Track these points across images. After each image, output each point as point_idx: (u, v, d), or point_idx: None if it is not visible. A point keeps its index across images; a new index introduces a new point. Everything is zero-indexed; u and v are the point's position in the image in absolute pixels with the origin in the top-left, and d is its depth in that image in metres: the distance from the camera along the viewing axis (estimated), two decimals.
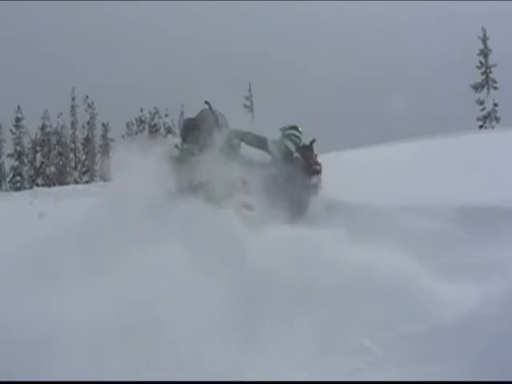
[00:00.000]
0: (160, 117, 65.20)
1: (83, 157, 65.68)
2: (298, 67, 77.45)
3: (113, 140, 64.39)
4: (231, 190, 8.42)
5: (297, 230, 7.19)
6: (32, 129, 64.48)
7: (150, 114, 66.01)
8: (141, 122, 65.77)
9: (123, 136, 63.84)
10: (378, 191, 8.68)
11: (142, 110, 65.87)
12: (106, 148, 64.40)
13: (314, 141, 10.12)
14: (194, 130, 9.48)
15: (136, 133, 64.76)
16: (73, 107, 65.85)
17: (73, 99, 65.59)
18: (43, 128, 64.82)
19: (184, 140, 9.54)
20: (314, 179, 9.67)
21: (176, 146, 9.45)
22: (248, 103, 54.63)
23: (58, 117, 65.26)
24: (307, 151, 9.93)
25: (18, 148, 63.39)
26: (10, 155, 63.71)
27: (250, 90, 54.99)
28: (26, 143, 64.12)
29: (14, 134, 63.87)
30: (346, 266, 6.07)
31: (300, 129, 10.04)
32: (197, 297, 5.75)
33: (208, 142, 8.89)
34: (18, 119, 63.76)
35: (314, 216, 8.64)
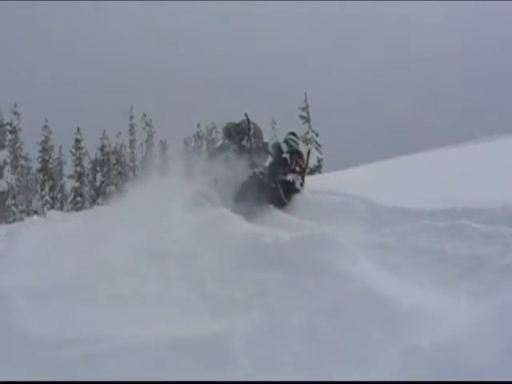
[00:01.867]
0: (217, 131, 64.34)
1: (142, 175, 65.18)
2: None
3: (171, 157, 64.09)
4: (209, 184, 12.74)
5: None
6: (91, 149, 65.09)
7: (207, 129, 65.46)
8: (198, 137, 65.31)
9: (181, 153, 63.79)
10: (441, 194, 8.92)
11: (199, 126, 65.45)
12: (164, 166, 64.02)
13: (309, 152, 13.04)
14: (237, 134, 13.36)
15: (194, 149, 64.38)
16: (131, 126, 65.89)
17: (131, 118, 65.56)
18: (102, 148, 65.14)
19: (228, 137, 13.52)
20: (290, 176, 12.04)
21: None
22: (304, 114, 53.60)
23: (117, 136, 65.43)
24: (296, 154, 12.37)
25: (78, 169, 63.74)
26: (71, 176, 63.97)
27: (306, 101, 53.87)
28: (86, 164, 64.36)
29: (74, 155, 64.25)
30: None
31: (297, 135, 13.10)
32: None
33: (241, 145, 12.94)
34: (77, 140, 64.08)
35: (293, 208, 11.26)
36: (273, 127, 59.48)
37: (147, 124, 65.72)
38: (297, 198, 11.37)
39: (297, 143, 12.69)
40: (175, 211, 9.82)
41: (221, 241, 8.24)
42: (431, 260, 6.93)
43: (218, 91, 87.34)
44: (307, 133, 53.06)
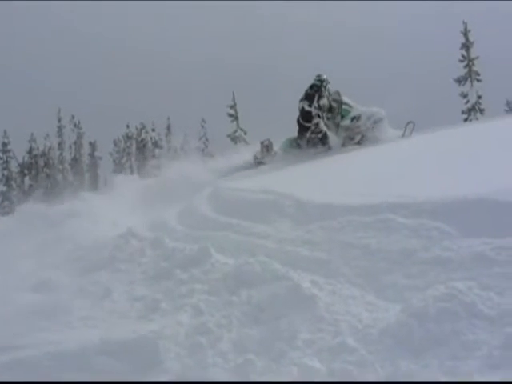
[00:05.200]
0: (147, 132, 63.85)
1: (71, 177, 64.39)
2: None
3: (100, 158, 63.53)
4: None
5: None
6: (19, 152, 63.62)
7: (137, 129, 64.87)
8: (128, 138, 64.68)
9: (111, 153, 63.18)
10: (369, 189, 8.96)
11: (128, 127, 64.86)
12: (93, 167, 63.34)
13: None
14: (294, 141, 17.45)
15: (123, 149, 63.82)
16: (59, 128, 64.90)
17: (59, 120, 64.57)
18: (30, 151, 63.87)
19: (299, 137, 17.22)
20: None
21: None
22: (232, 112, 53.50)
23: (45, 139, 64.27)
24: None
25: (5, 173, 62.35)
26: None
27: (234, 99, 53.75)
28: (14, 167, 63.03)
29: (1, 158, 62.86)
30: None
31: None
32: None
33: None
34: (4, 144, 62.89)
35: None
36: (202, 126, 59.50)
37: (76, 125, 64.91)
38: (225, 196, 11.34)
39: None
40: None
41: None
42: (358, 254, 6.98)
43: (153, 91, 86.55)
44: (235, 131, 53.00)
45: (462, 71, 46.67)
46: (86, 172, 64.82)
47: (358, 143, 16.59)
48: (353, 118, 16.87)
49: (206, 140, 59.39)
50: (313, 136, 16.87)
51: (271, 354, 5.30)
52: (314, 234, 7.84)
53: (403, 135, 15.95)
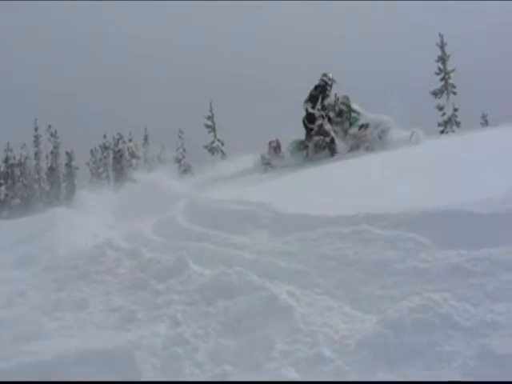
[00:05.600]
0: (124, 142, 63.68)
1: (48, 187, 64.13)
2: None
3: (77, 168, 63.29)
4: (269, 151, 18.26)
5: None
6: None
7: (114, 139, 64.68)
8: (105, 148, 64.48)
9: (88, 163, 63.01)
10: (348, 199, 9.05)
11: (105, 137, 64.71)
12: (70, 177, 63.10)
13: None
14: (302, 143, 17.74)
15: (100, 159, 63.71)
16: (36, 137, 64.61)
17: (36, 129, 64.31)
18: (6, 160, 63.55)
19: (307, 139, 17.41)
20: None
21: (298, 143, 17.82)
22: (210, 123, 53.56)
23: (22, 148, 63.97)
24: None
25: None
26: None
27: (211, 110, 53.81)
28: None
29: None
30: None
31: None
32: None
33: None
34: None
35: None
36: (180, 136, 59.41)
37: (52, 135, 64.66)
38: (202, 206, 11.34)
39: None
40: None
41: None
42: (335, 265, 7.00)
43: (130, 101, 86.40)
44: (213, 142, 53.08)
45: (439, 84, 47.02)
46: (63, 182, 64.61)
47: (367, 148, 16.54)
48: (361, 126, 16.96)
49: (184, 151, 59.33)
50: (320, 139, 17.04)
51: (248, 364, 5.29)
52: (291, 245, 7.85)
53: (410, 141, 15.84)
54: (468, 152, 12.07)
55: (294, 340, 5.48)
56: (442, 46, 46.84)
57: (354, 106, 17.23)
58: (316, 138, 17.06)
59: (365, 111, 17.15)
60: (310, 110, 16.99)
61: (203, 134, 53.70)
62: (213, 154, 52.12)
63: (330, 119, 17.12)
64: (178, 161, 57.33)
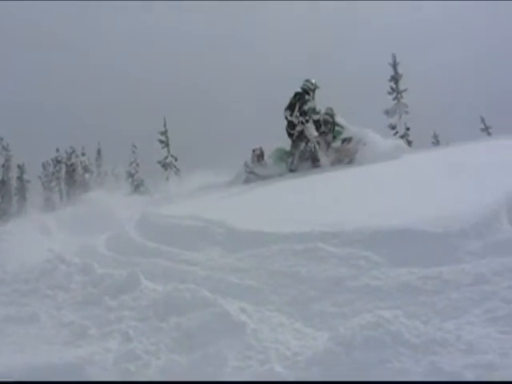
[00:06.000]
0: (77, 156, 63.18)
1: None
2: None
3: (29, 181, 62.51)
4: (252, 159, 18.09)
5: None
6: None
7: (67, 153, 64.17)
8: (57, 162, 63.91)
9: (40, 177, 62.38)
10: (304, 216, 9.11)
11: (58, 150, 64.07)
12: (22, 190, 62.38)
13: None
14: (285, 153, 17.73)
15: (53, 173, 63.13)
16: None
17: None
18: None
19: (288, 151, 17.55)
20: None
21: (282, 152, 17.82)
22: (163, 138, 53.44)
23: None
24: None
25: None
26: None
27: (165, 125, 53.73)
28: None
29: None
30: None
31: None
32: None
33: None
34: None
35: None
36: (133, 151, 59.10)
37: (4, 148, 64.00)
38: (155, 222, 11.31)
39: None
40: None
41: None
42: (287, 282, 7.04)
43: (84, 115, 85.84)
44: (166, 157, 52.94)
45: (391, 103, 47.43)
46: (14, 195, 63.86)
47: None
48: (343, 140, 17.00)
49: (137, 165, 59.03)
50: (305, 149, 17.13)
51: (200, 380, 5.28)
52: (244, 262, 7.87)
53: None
54: (421, 171, 12.20)
55: (246, 356, 5.47)
56: (394, 66, 47.29)
57: (338, 118, 17.35)
58: (301, 148, 17.10)
59: (348, 124, 17.27)
60: (289, 118, 17.11)
61: (157, 149, 53.60)
62: (166, 169, 51.96)
63: (315, 123, 17.28)
64: (131, 175, 57.06)
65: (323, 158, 16.97)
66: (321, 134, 17.24)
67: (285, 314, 6.46)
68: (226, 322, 5.96)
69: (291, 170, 17.26)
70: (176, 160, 53.02)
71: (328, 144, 17.18)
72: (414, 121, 46.55)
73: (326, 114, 17.26)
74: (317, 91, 17.81)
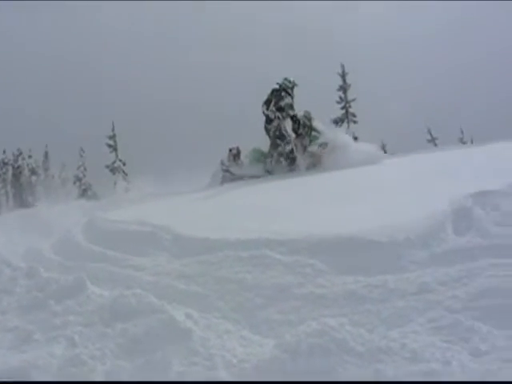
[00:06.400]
0: (24, 158, 62.49)
1: None
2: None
3: None
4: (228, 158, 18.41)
5: None
6: None
7: (13, 155, 63.41)
8: (4, 164, 63.12)
9: None
10: (252, 223, 9.14)
11: (4, 152, 63.27)
12: None
13: None
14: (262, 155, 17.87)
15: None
16: None
17: None
18: None
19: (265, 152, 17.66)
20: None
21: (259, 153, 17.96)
22: (111, 142, 53.11)
23: None
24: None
25: None
26: None
27: (113, 130, 53.40)
28: None
29: None
30: None
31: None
32: None
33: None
34: None
35: None
36: (81, 155, 58.61)
37: None
38: (102, 227, 11.24)
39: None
40: None
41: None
42: (233, 289, 7.05)
43: (31, 116, 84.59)
44: (114, 162, 52.61)
45: (339, 112, 47.79)
46: None
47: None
48: (319, 145, 17.13)
49: (85, 169, 58.56)
50: (283, 149, 17.23)
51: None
52: (191, 268, 7.87)
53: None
54: (369, 180, 12.35)
55: (191, 362, 5.46)
56: (343, 76, 47.73)
57: (315, 122, 17.55)
58: (279, 149, 17.18)
59: (324, 129, 17.46)
60: (265, 112, 17.33)
61: (105, 154, 53.24)
62: (114, 173, 51.67)
63: (292, 118, 17.55)
64: (79, 179, 56.63)
65: (300, 161, 17.11)
66: (298, 135, 17.46)
67: (231, 320, 6.47)
68: (172, 328, 5.96)
69: (267, 171, 17.40)
70: (124, 164, 52.74)
71: (304, 147, 17.32)
72: (363, 131, 46.98)
73: (304, 117, 17.43)
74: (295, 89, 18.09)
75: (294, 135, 17.47)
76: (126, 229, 10.35)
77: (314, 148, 17.25)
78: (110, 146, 53.64)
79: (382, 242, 7.06)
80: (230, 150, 18.28)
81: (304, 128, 17.41)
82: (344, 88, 47.66)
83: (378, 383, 4.71)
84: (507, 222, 7.24)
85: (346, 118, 47.52)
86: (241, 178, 17.25)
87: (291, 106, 17.56)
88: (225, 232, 8.62)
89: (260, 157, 17.81)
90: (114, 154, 53.44)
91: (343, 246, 7.24)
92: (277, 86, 17.74)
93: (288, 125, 17.46)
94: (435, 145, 46.02)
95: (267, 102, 17.42)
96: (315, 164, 16.97)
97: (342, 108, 47.65)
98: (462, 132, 48.98)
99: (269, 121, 17.36)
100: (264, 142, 17.77)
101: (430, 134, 48.98)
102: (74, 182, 54.82)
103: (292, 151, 17.13)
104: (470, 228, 7.28)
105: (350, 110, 47.42)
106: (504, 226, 7.16)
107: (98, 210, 14.34)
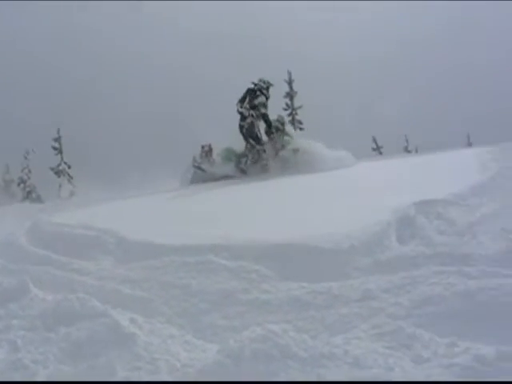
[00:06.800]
0: None
1: None
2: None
3: None
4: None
5: None
6: None
7: None
8: None
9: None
10: (201, 229, 9.26)
11: None
12: None
13: None
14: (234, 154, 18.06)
15: None
16: None
17: None
18: None
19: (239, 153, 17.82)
20: None
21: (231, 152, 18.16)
22: (57, 145, 52.55)
23: None
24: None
25: None
26: None
27: (58, 132, 52.78)
28: None
29: None
30: None
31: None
32: None
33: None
34: None
35: None
36: (25, 157, 57.93)
37: None
38: (46, 230, 11.14)
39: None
40: None
41: None
42: (178, 294, 7.05)
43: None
44: (59, 164, 52.02)
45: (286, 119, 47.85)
46: None
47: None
48: (291, 150, 17.23)
49: (29, 171, 57.81)
50: (257, 151, 17.46)
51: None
52: (136, 273, 7.85)
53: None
54: (319, 188, 12.44)
55: (135, 367, 5.45)
56: (290, 83, 47.82)
57: (288, 128, 18.07)
58: (254, 151, 17.50)
59: (296, 135, 17.68)
60: (239, 110, 17.55)
61: (51, 156, 52.58)
62: (59, 176, 51.10)
63: (263, 116, 17.85)
64: (23, 181, 55.91)
65: (271, 164, 17.22)
66: (271, 139, 17.69)
67: (175, 325, 6.47)
68: (115, 332, 5.94)
69: (242, 171, 17.63)
70: (69, 167, 52.20)
71: (276, 151, 17.44)
72: (311, 137, 47.12)
73: (277, 121, 17.67)
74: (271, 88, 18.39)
75: (266, 138, 17.71)
76: (71, 232, 10.28)
77: (285, 152, 17.39)
78: (55, 148, 53.07)
79: (327, 249, 7.13)
80: (203, 147, 18.41)
81: (277, 132, 17.60)
82: (291, 95, 47.72)
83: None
84: (450, 231, 7.37)
85: (292, 124, 47.60)
86: (212, 176, 17.33)
87: (264, 105, 17.92)
88: (170, 237, 8.63)
89: (232, 156, 17.93)
90: (59, 156, 52.88)
91: (288, 252, 7.29)
92: (252, 86, 17.99)
93: (262, 126, 17.78)
94: (380, 153, 46.40)
95: (242, 100, 17.70)
96: (286, 168, 16.95)
97: (289, 115, 47.70)
98: (407, 141, 49.38)
99: (243, 118, 17.59)
100: (238, 142, 17.98)
101: (376, 142, 49.33)
102: (18, 184, 53.99)
103: (264, 152, 17.48)
104: (413, 236, 7.40)
105: (297, 117, 47.49)
106: (447, 235, 7.29)
107: (42, 213, 14.23)
